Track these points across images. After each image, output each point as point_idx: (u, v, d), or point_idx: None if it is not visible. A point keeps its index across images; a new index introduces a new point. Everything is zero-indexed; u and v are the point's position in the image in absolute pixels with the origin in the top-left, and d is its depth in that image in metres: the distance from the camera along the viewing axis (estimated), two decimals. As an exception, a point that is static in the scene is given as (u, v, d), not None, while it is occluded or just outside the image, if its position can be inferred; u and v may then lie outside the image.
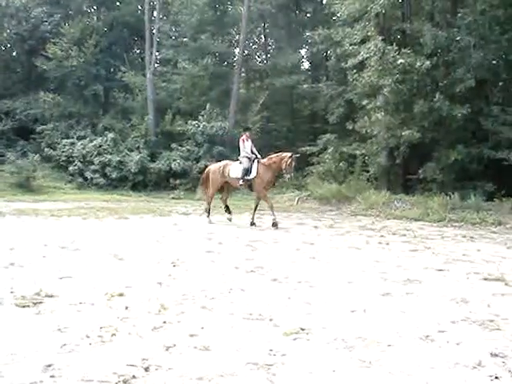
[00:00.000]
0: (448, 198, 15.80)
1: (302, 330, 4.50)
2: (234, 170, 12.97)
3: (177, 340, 4.16)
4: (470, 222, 13.72)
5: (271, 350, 4.00)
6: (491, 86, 19.61)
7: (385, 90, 17.91)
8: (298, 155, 13.08)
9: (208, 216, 13.45)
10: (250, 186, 12.93)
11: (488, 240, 10.96)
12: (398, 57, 17.49)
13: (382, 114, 18.16)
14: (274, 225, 12.22)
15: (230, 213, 13.54)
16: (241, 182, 12.80)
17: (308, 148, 23.14)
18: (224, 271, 7.03)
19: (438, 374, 3.69)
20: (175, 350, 3.96)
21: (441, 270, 7.50)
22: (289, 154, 12.38)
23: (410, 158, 19.90)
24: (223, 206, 13.79)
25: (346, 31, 20.49)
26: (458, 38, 18.02)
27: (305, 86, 27.23)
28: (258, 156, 13.01)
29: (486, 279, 6.93)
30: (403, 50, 17.63)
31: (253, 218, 12.84)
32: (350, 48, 20.10)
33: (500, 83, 19.98)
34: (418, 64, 17.10)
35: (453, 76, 17.97)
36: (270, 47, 35.80)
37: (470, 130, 18.96)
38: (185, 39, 32.79)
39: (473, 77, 17.38)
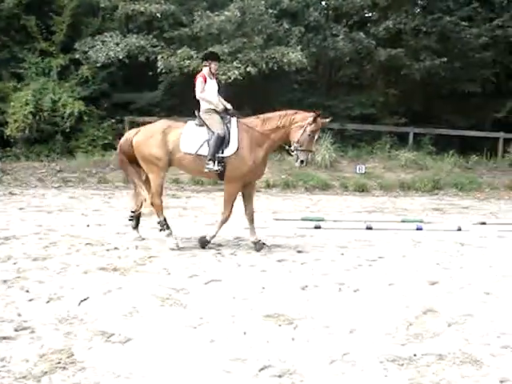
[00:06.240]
0: None
1: None
2: (189, 138, 6.21)
3: None
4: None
5: None
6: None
7: None
8: (328, 119, 6.43)
9: (163, 224, 6.42)
10: (220, 173, 6.19)
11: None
12: None
13: None
14: (204, 244, 6.40)
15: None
16: (215, 166, 6.04)
17: None
18: None
19: None
20: None
21: None
22: (310, 115, 6.06)
23: None
24: (134, 211, 6.82)
25: None
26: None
27: None
28: (229, 107, 6.47)
29: None
30: None
31: (255, 236, 6.51)
32: None
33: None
34: None
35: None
36: None
37: None
38: None
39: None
